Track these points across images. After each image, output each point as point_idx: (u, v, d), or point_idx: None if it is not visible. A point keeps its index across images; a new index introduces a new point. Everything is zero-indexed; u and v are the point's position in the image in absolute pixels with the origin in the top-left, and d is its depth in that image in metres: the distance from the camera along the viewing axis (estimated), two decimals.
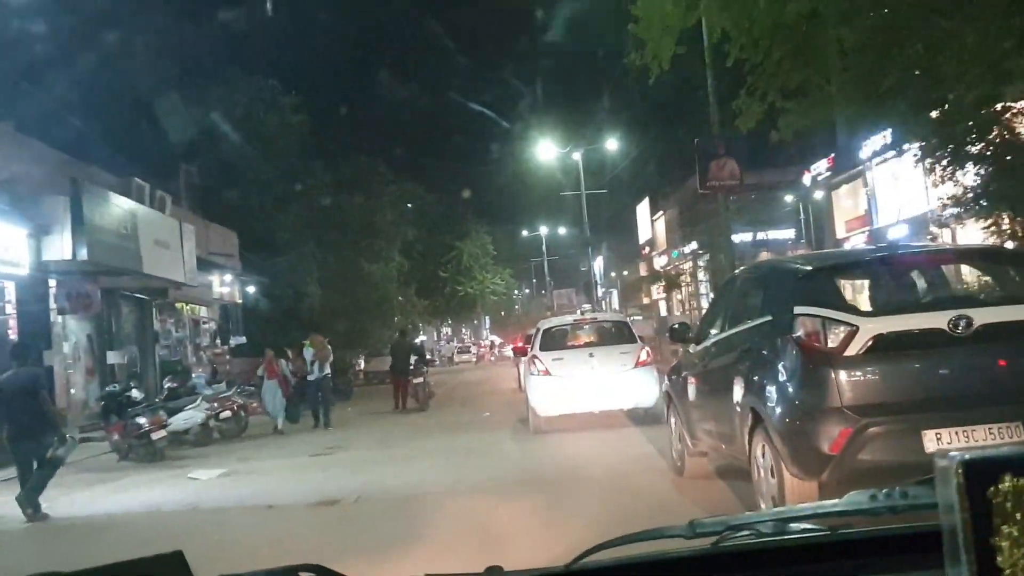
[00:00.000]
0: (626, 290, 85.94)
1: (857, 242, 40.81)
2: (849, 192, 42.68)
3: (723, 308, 7.81)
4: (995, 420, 5.32)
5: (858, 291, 7.34)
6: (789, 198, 59.22)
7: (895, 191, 37.24)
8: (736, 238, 62.06)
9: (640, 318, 74.56)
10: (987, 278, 7.23)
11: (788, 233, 64.94)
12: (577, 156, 39.08)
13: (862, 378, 5.53)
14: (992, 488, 0.95)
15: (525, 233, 64.17)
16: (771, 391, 5.90)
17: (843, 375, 5.49)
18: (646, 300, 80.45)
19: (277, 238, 26.02)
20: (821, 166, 42.58)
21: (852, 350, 5.49)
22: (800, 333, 5.70)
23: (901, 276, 6.55)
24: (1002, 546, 0.93)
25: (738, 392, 6.39)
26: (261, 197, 26.02)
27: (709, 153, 18.34)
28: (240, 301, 25.19)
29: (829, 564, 1.55)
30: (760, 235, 64.57)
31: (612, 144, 39.83)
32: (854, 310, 5.89)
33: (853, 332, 5.50)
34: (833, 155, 41.36)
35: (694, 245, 67.45)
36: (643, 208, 76.22)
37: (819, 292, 5.93)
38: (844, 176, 40.97)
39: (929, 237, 33.63)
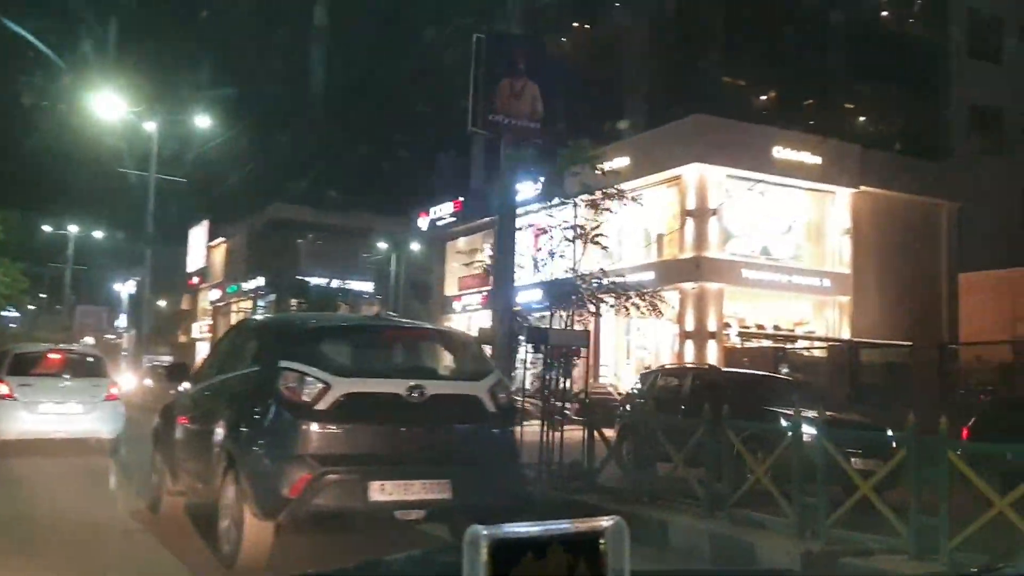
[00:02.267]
0: (163, 324, 73.37)
1: (471, 302, 35.54)
2: (471, 245, 37.42)
3: (222, 354, 8.08)
4: (429, 477, 6.14)
5: (339, 353, 6.91)
6: (383, 245, 53.71)
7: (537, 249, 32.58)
8: (313, 281, 54.46)
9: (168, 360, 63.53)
10: (443, 355, 7.50)
11: (367, 286, 59.32)
12: (152, 126, 28.71)
13: (327, 431, 6.04)
14: (515, 568, 1.07)
15: (48, 229, 50.09)
16: (247, 435, 6.31)
17: (311, 426, 5.99)
18: (183, 339, 69.19)
19: None
20: (445, 209, 36.86)
21: (323, 405, 5.96)
22: (280, 384, 6.09)
23: (375, 345, 7.14)
24: None
25: (219, 434, 6.63)
26: None
27: (500, 62, 10.76)
28: None
29: None
30: (337, 282, 58.16)
31: (204, 121, 30.10)
32: (330, 369, 6.21)
33: (325, 389, 5.99)
34: (462, 198, 35.84)
35: (261, 282, 58.85)
36: (199, 232, 66.21)
37: (304, 350, 6.39)
38: (469, 225, 35.69)
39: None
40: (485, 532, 1.08)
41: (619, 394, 25.31)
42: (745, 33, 25.59)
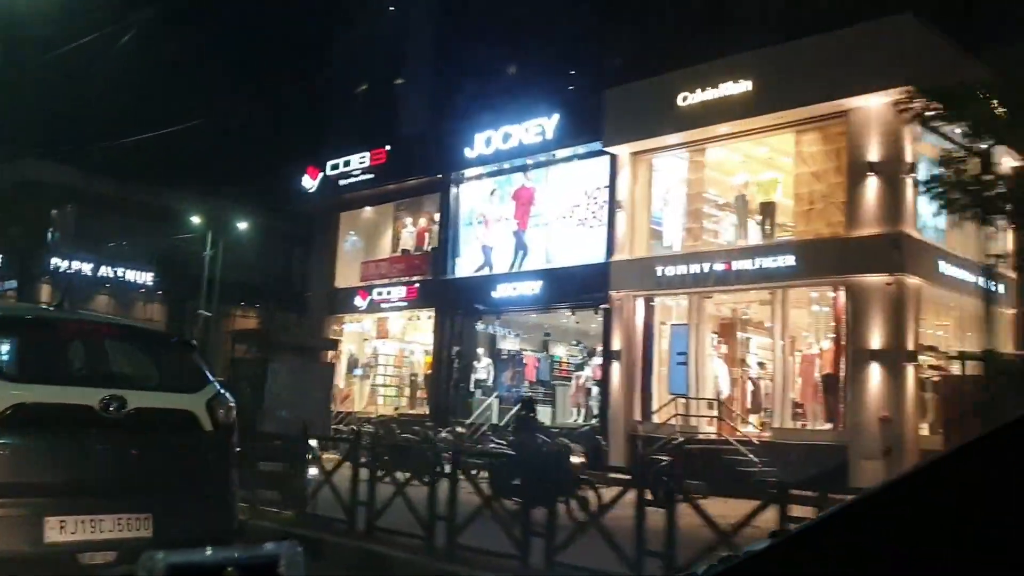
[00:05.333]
0: None
1: (389, 297, 25.11)
2: (381, 216, 26.65)
3: None
4: (126, 510, 4.97)
5: (11, 353, 5.55)
6: (198, 219, 40.46)
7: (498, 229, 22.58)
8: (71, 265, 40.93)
9: None
10: (150, 360, 6.15)
11: (147, 276, 45.63)
12: None
13: None
14: None
15: None
16: None
17: None
18: None
19: None
20: (356, 163, 25.76)
21: None
22: None
23: (61, 343, 5.79)
24: None
25: None
26: None
27: None
28: None
29: None
30: (108, 270, 44.32)
31: None
32: None
33: None
34: (388, 147, 25.06)
35: None
36: None
37: None
38: (381, 189, 24.99)
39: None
40: (160, 557, 1.11)
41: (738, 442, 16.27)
42: None
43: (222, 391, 5.89)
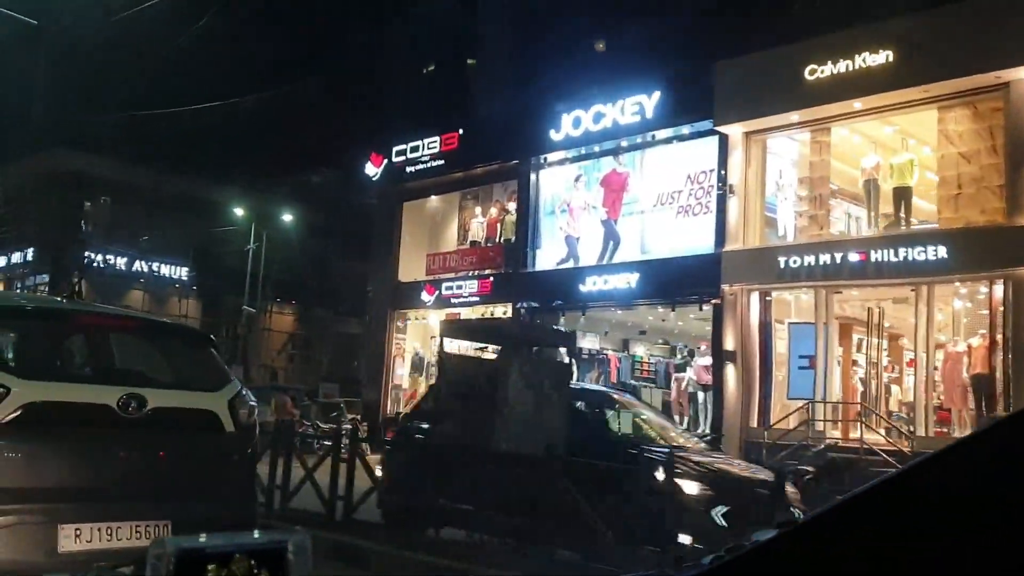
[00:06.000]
0: None
1: (459, 292, 23.61)
2: (448, 204, 25.09)
3: None
4: (144, 517, 4.66)
5: (20, 347, 5.27)
6: (240, 211, 39.03)
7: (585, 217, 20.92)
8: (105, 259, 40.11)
9: None
10: (166, 356, 5.73)
11: (182, 271, 44.20)
12: None
13: (1, 454, 4.43)
14: None
15: None
16: None
17: None
18: None
19: None
20: (426, 148, 24.11)
21: None
22: None
23: (72, 337, 5.64)
24: None
25: None
26: None
27: None
28: None
29: None
30: (142, 264, 42.98)
31: None
32: (10, 367, 4.85)
33: (2, 395, 4.39)
34: (461, 131, 23.44)
35: (23, 256, 42.60)
36: None
37: None
38: (448, 177, 23.38)
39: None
40: (170, 544, 1.09)
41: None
42: None
43: (243, 390, 5.48)
